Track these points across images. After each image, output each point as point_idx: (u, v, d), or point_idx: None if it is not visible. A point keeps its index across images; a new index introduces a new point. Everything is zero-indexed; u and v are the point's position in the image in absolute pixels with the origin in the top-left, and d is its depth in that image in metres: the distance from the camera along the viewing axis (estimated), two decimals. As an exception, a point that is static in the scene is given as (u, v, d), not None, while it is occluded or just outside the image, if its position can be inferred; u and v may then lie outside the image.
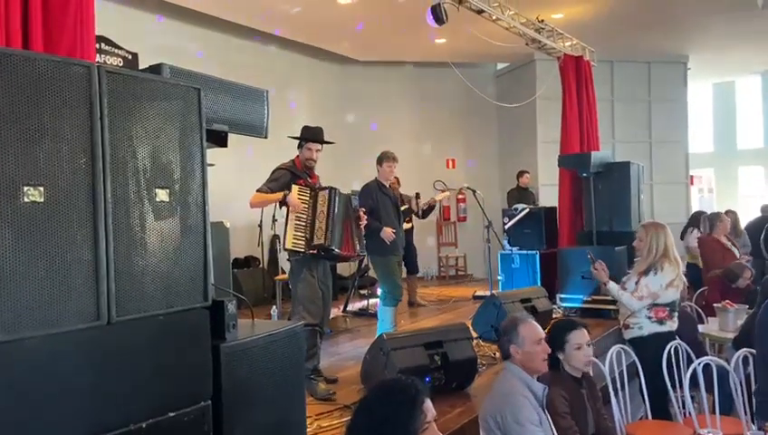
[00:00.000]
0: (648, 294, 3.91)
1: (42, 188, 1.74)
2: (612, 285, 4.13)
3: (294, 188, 4.16)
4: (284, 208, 4.23)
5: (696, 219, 7.56)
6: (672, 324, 3.97)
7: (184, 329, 2.15)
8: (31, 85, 1.71)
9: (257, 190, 4.16)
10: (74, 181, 1.82)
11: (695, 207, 11.84)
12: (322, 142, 4.39)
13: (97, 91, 1.87)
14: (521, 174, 9.22)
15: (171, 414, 2.08)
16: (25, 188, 1.70)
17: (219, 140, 2.67)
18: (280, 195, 4.13)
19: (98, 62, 6.31)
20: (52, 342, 1.77)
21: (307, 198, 4.19)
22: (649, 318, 3.93)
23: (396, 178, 7.88)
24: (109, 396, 1.91)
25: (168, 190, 2.08)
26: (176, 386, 2.11)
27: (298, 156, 4.38)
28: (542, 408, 2.54)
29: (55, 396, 1.78)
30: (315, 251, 4.15)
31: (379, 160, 5.50)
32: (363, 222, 4.56)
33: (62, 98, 1.79)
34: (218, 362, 2.27)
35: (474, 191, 7.01)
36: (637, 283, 3.98)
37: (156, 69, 2.33)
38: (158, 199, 2.05)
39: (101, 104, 1.88)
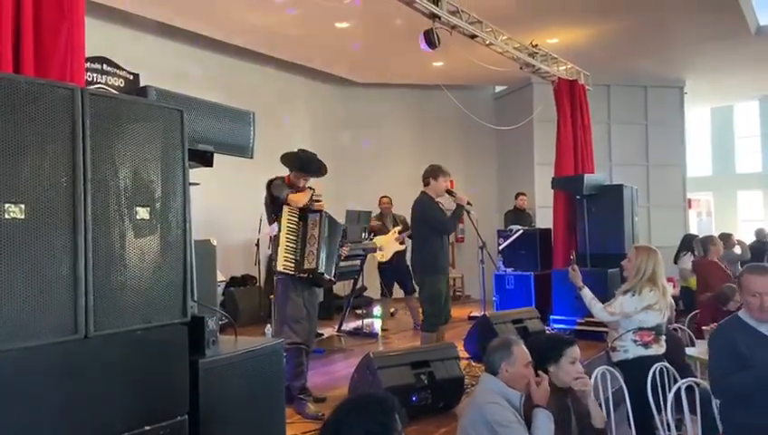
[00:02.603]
0: (620, 313, 3.94)
1: (23, 206, 1.80)
2: (586, 292, 4.17)
3: (285, 209, 4.21)
4: (275, 228, 4.28)
5: (688, 243, 7.57)
6: (658, 348, 3.95)
7: (161, 344, 2.20)
8: (15, 106, 1.79)
9: (285, 203, 4.19)
10: (55, 199, 1.89)
11: (693, 230, 11.85)
12: (320, 176, 4.43)
13: (80, 112, 1.95)
14: (517, 196, 9.28)
15: (147, 428, 2.13)
16: (6, 205, 1.77)
17: (205, 159, 2.75)
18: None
19: (99, 82, 6.48)
20: (28, 354, 1.82)
21: (296, 220, 4.25)
22: (635, 341, 3.94)
23: (387, 198, 7.95)
24: (84, 409, 1.96)
25: (148, 208, 2.15)
26: (152, 400, 2.16)
27: (289, 176, 4.41)
28: (518, 413, 2.60)
29: (31, 409, 1.82)
30: (305, 275, 4.20)
31: (435, 175, 5.04)
32: (345, 253, 4.63)
33: (45, 119, 1.86)
34: (196, 378, 2.32)
35: (468, 212, 7.05)
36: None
37: (142, 91, 2.41)
38: (138, 217, 2.11)
39: (84, 125, 1.95)
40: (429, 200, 5.05)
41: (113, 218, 2.05)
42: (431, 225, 5.01)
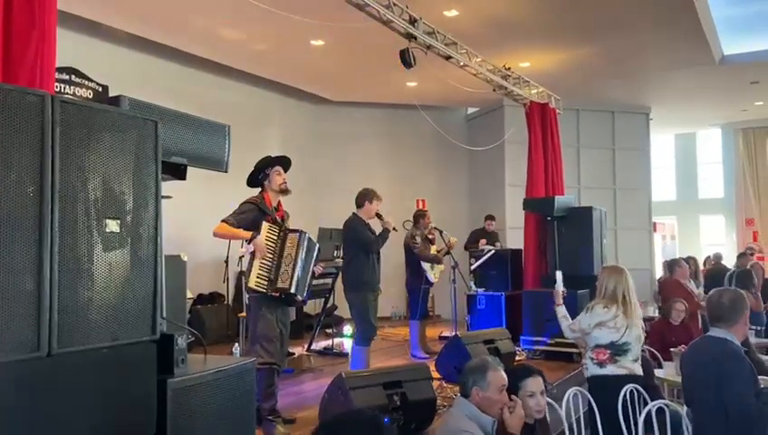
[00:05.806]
0: (578, 329, 4.03)
1: (-14, 216, 1.72)
2: (560, 309, 4.22)
3: (264, 225, 4.13)
4: (250, 246, 4.20)
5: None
6: (615, 369, 3.82)
7: (129, 362, 2.11)
8: (-21, 112, 1.71)
9: (222, 220, 4.12)
10: (21, 209, 1.81)
11: (658, 253, 12.07)
12: (284, 162, 4.40)
13: (49, 120, 1.87)
14: (486, 218, 9.27)
15: (111, 450, 2.03)
16: (-32, 215, 1.68)
17: (178, 172, 2.67)
18: (249, 234, 4.10)
19: (67, 92, 6.32)
20: (-13, 373, 1.72)
21: (275, 238, 4.17)
22: (591, 359, 3.94)
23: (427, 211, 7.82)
24: (48, 429, 1.86)
25: (118, 221, 2.07)
26: (119, 420, 2.07)
27: (265, 191, 4.35)
28: None
29: (-12, 430, 1.73)
30: (277, 294, 4.12)
31: (369, 198, 5.36)
32: (319, 271, 4.63)
33: (12, 126, 1.79)
34: (164, 397, 2.23)
35: (441, 232, 7.07)
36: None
37: (115, 101, 2.34)
38: (107, 230, 2.04)
39: (53, 133, 1.88)
40: (358, 221, 5.36)
41: (81, 231, 1.97)
42: (360, 244, 5.31)
